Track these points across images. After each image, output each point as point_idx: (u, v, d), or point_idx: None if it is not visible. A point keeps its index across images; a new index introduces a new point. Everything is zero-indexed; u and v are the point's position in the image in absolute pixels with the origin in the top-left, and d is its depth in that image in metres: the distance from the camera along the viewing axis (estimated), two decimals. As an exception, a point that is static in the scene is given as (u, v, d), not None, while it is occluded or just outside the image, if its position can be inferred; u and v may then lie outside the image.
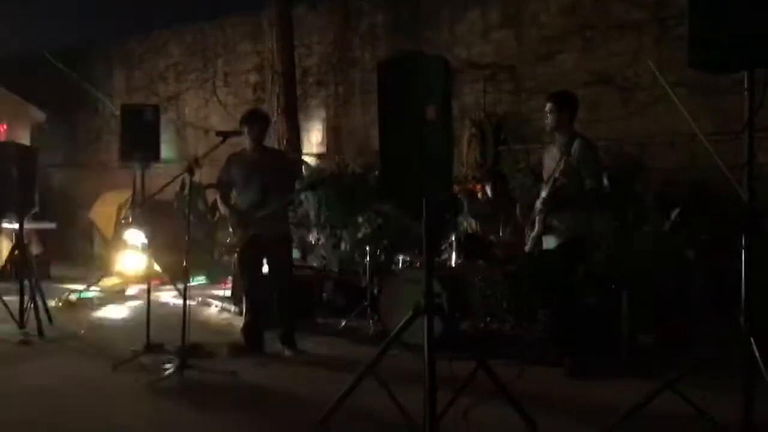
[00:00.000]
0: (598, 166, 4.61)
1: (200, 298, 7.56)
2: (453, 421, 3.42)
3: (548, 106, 4.66)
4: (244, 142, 5.28)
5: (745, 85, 3.21)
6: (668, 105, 6.01)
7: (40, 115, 11.56)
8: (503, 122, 7.99)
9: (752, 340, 3.09)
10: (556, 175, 4.52)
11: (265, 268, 5.33)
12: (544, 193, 4.64)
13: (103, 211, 10.71)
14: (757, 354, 3.05)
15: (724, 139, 5.35)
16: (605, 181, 4.44)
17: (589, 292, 5.02)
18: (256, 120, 5.27)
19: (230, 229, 5.30)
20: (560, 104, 4.63)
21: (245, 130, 5.20)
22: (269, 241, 5.12)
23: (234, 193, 5.28)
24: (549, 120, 4.66)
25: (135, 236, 8.06)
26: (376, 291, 5.84)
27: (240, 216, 5.15)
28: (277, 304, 5.22)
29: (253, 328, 5.17)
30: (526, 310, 5.56)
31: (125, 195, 10.11)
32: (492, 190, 6.19)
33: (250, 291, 5.22)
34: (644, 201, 6.38)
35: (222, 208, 5.38)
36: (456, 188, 7.07)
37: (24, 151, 6.13)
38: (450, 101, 3.32)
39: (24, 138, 10.27)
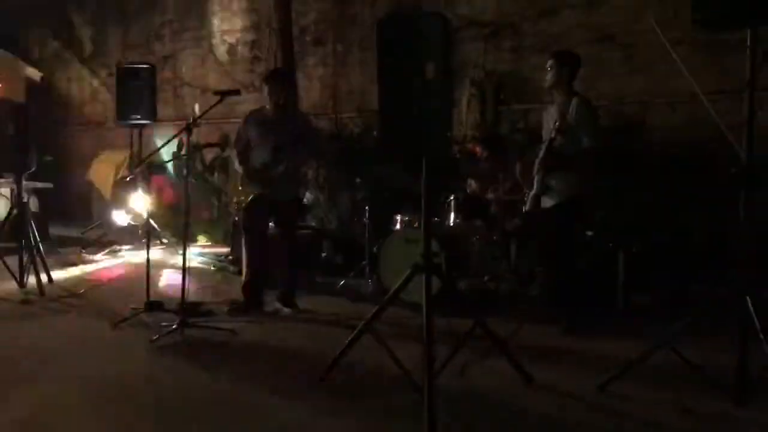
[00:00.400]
0: (596, 125, 4.60)
1: (199, 258, 7.59)
2: (451, 377, 3.49)
3: (549, 62, 4.63)
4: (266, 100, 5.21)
5: (748, 44, 3.19)
6: (670, 63, 5.93)
7: (35, 74, 11.45)
8: (503, 82, 7.92)
9: (748, 298, 3.13)
10: (553, 134, 4.52)
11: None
12: (542, 153, 4.64)
13: (101, 170, 10.69)
14: (752, 311, 3.09)
15: (726, 98, 5.32)
16: (589, 141, 4.42)
17: (586, 252, 5.06)
18: (277, 80, 5.20)
19: (240, 187, 5.26)
20: (561, 62, 4.60)
21: (266, 90, 5.15)
22: (278, 202, 5.13)
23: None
24: (548, 77, 4.63)
25: (138, 202, 8.07)
26: (374, 250, 5.87)
27: (253, 174, 5.14)
28: (279, 264, 5.24)
29: (252, 287, 5.20)
30: (524, 269, 5.59)
31: (123, 155, 10.09)
32: (487, 151, 6.17)
33: (251, 249, 5.22)
34: (644, 160, 6.38)
35: (237, 165, 5.33)
36: (455, 148, 7.06)
37: (20, 109, 6.08)
38: (449, 60, 3.29)
39: (19, 97, 10.18)
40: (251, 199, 5.15)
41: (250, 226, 5.24)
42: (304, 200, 7.47)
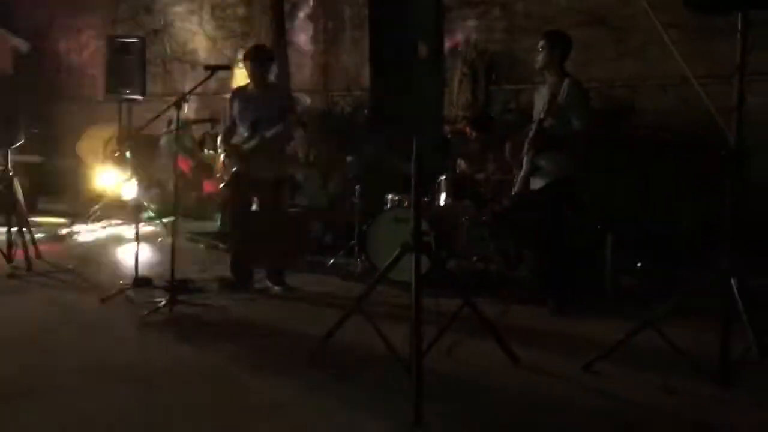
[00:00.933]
0: (586, 107, 4.60)
1: (188, 234, 7.56)
2: (438, 357, 3.51)
3: (540, 43, 4.62)
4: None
5: (738, 27, 3.18)
6: (661, 47, 5.95)
7: (22, 45, 11.28)
8: (495, 61, 7.89)
9: (733, 282, 3.16)
10: (542, 115, 4.52)
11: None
12: (531, 133, 4.64)
13: (90, 145, 10.59)
14: (737, 295, 3.12)
15: (715, 83, 5.34)
16: (579, 123, 4.43)
17: (574, 233, 5.07)
18: (257, 57, 5.14)
19: (223, 164, 5.24)
20: (552, 42, 4.58)
21: (248, 67, 5.11)
22: (260, 180, 5.09)
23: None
24: (539, 57, 4.63)
25: (130, 191, 7.97)
26: (364, 229, 5.86)
27: (230, 149, 5.12)
28: (267, 242, 5.23)
29: (241, 264, 5.20)
30: (513, 249, 5.61)
31: (111, 129, 9.98)
32: (477, 131, 6.16)
33: (236, 227, 5.22)
34: (634, 144, 6.39)
35: (219, 141, 5.31)
36: (447, 128, 7.04)
37: (7, 82, 6.00)
38: (442, 38, 3.28)
39: (6, 68, 10.05)
40: (232, 176, 5.13)
41: (232, 203, 5.24)
42: (299, 177, 7.45)
